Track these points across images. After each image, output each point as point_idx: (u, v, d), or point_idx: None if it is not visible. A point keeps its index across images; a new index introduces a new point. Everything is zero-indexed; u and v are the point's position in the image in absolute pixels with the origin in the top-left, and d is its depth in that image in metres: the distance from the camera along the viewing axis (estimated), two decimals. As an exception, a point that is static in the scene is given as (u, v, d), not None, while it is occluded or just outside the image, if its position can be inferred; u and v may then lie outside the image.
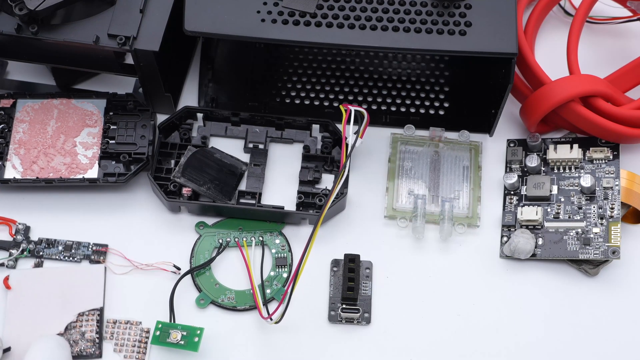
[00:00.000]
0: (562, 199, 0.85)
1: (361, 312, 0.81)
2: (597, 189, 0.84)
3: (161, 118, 0.88)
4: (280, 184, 0.87)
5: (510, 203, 0.86)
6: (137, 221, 0.85)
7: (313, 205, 0.85)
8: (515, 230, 0.84)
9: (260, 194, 0.86)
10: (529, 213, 0.84)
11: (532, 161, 0.87)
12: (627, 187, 0.84)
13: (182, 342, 0.78)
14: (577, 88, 0.83)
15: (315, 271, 0.83)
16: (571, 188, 0.85)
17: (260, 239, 0.85)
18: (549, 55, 0.92)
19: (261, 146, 0.89)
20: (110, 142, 0.86)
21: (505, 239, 0.85)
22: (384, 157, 0.89)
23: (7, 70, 0.93)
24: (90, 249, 0.84)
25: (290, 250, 0.84)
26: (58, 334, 0.79)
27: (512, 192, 0.87)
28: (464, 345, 0.81)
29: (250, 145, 0.89)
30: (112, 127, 0.87)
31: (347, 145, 0.83)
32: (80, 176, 0.85)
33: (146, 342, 0.80)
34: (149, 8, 0.82)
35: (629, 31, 0.97)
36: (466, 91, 0.92)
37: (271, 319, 0.78)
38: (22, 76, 0.93)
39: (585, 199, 0.84)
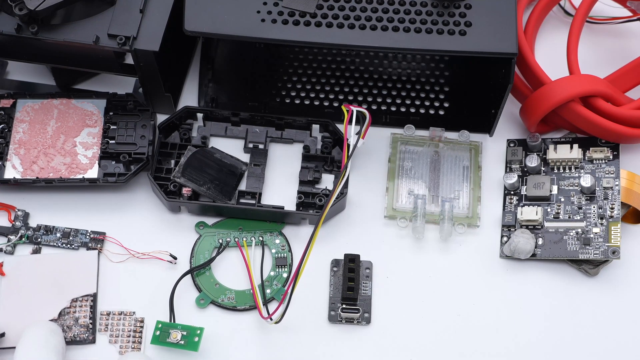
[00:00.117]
0: (562, 199, 0.85)
1: (361, 312, 0.81)
2: (597, 189, 0.84)
3: (161, 118, 0.88)
4: (280, 184, 0.87)
5: (510, 203, 0.86)
6: (137, 221, 0.85)
7: (313, 205, 0.85)
8: (515, 230, 0.84)
9: (260, 194, 0.86)
10: (529, 213, 0.84)
11: (532, 161, 0.87)
12: (627, 187, 0.84)
13: (182, 342, 0.78)
14: (577, 88, 0.83)
15: (315, 271, 0.83)
16: (571, 188, 0.85)
17: (260, 239, 0.85)
18: (549, 55, 0.92)
19: (261, 146, 0.89)
20: (110, 142, 0.86)
21: (505, 239, 0.85)
22: (384, 157, 0.89)
23: (7, 70, 0.93)
24: (87, 237, 0.84)
25: (290, 250, 0.84)
26: (52, 320, 0.80)
27: (512, 192, 0.87)
28: (464, 345, 0.81)
29: (250, 145, 0.89)
30: (112, 127, 0.87)
31: (348, 145, 0.83)
32: (80, 176, 0.85)
33: (141, 332, 0.80)
34: (149, 8, 0.82)
35: (629, 31, 0.97)
36: (466, 91, 0.92)
37: (271, 319, 0.78)
38: (22, 76, 0.93)
39: (585, 199, 0.84)
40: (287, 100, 0.92)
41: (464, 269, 0.84)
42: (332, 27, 0.79)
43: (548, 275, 0.83)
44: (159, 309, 0.81)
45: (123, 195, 0.87)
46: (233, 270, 0.84)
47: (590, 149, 0.86)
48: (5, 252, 0.84)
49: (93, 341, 0.80)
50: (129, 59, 0.84)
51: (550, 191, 0.85)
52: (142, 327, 0.80)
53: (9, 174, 0.85)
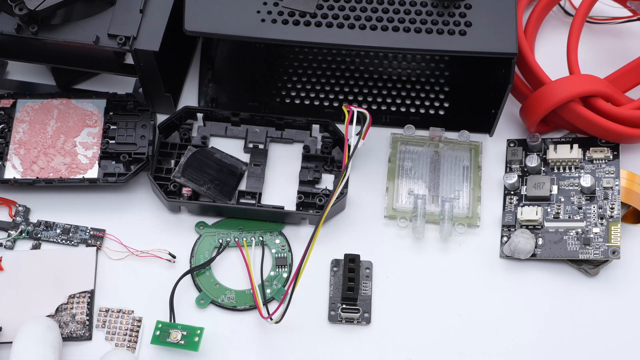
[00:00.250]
0: (562, 199, 0.85)
1: (361, 312, 0.81)
2: (597, 189, 0.84)
3: (161, 118, 0.88)
4: (280, 184, 0.87)
5: (510, 203, 0.86)
6: (137, 221, 0.85)
7: (313, 205, 0.85)
8: (515, 230, 0.84)
9: (260, 194, 0.86)
10: (529, 213, 0.84)
11: (532, 161, 0.87)
12: (627, 187, 0.84)
13: (182, 342, 0.78)
14: (577, 88, 0.83)
15: (315, 271, 0.83)
16: (571, 188, 0.85)
17: (260, 239, 0.85)
18: (549, 55, 0.92)
19: (261, 146, 0.89)
20: (110, 142, 0.86)
21: (505, 239, 0.85)
22: (384, 157, 0.89)
23: (7, 70, 0.93)
24: (87, 233, 0.85)
25: (290, 250, 0.84)
26: (49, 316, 0.80)
27: (512, 192, 0.87)
28: (464, 345, 0.81)
29: (250, 145, 0.89)
30: (112, 127, 0.87)
31: (349, 146, 0.83)
32: (80, 176, 0.85)
33: (138, 331, 0.80)
34: (149, 8, 0.82)
35: (629, 31, 0.97)
36: (466, 91, 0.92)
37: (271, 319, 0.78)
38: (22, 76, 0.93)
39: (585, 199, 0.84)
40: (287, 100, 0.92)
41: (464, 269, 0.84)
42: (332, 27, 0.79)
43: (548, 275, 0.83)
44: (158, 308, 0.81)
45: (123, 195, 0.87)
46: (233, 270, 0.84)
47: (590, 149, 0.86)
48: (5, 246, 0.84)
49: (89, 338, 0.80)
50: (129, 59, 0.84)
51: (550, 191, 0.85)
52: (139, 326, 0.80)
53: (9, 174, 0.85)
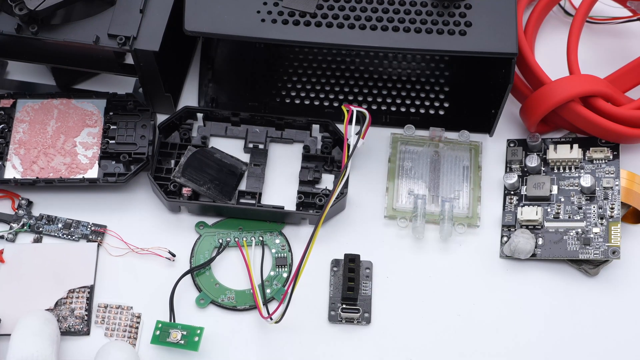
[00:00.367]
0: (562, 199, 0.85)
1: (361, 312, 0.81)
2: (597, 189, 0.84)
3: (161, 118, 0.88)
4: (280, 184, 0.87)
5: (510, 203, 0.86)
6: (137, 221, 0.85)
7: (313, 205, 0.85)
8: (515, 230, 0.84)
9: (260, 194, 0.86)
10: (529, 213, 0.84)
11: (532, 161, 0.87)
12: (627, 187, 0.84)
13: (182, 342, 0.78)
14: (577, 88, 0.83)
15: (315, 271, 0.83)
16: (571, 188, 0.85)
17: (260, 239, 0.85)
18: (549, 55, 0.92)
19: (261, 146, 0.89)
20: (110, 142, 0.86)
21: (505, 239, 0.85)
22: (384, 157, 0.89)
23: (7, 70, 0.93)
24: (88, 229, 0.85)
25: (290, 250, 0.84)
26: (48, 310, 0.80)
27: (512, 192, 0.87)
28: (464, 345, 0.81)
29: (250, 145, 0.89)
30: (112, 127, 0.87)
31: (348, 145, 0.83)
32: (80, 176, 0.85)
33: (137, 327, 0.80)
34: (149, 8, 0.82)
35: (629, 31, 0.97)
36: (466, 91, 0.92)
37: (271, 319, 0.78)
38: (22, 76, 0.93)
39: (585, 199, 0.84)
40: (287, 100, 0.92)
41: (464, 269, 0.84)
42: (332, 27, 0.79)
43: (548, 275, 0.83)
44: (158, 308, 0.81)
45: (123, 195, 0.87)
46: (233, 270, 0.84)
47: (590, 149, 0.86)
48: (6, 239, 0.84)
49: (87, 333, 0.80)
50: (129, 59, 0.84)
51: (550, 191, 0.85)
52: (138, 322, 0.80)
53: (9, 174, 0.85)
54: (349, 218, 0.86)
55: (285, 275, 0.83)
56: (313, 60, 0.94)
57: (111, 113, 0.88)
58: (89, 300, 0.81)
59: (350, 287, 0.80)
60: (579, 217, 0.83)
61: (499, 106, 0.85)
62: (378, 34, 0.79)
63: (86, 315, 0.81)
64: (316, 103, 0.92)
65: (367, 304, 0.82)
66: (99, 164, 0.85)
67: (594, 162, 0.86)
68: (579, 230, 0.83)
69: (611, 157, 0.86)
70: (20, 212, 0.85)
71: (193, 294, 0.82)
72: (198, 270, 0.83)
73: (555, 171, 0.87)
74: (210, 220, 0.86)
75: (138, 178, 0.87)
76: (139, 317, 0.81)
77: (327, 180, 0.87)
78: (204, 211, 0.86)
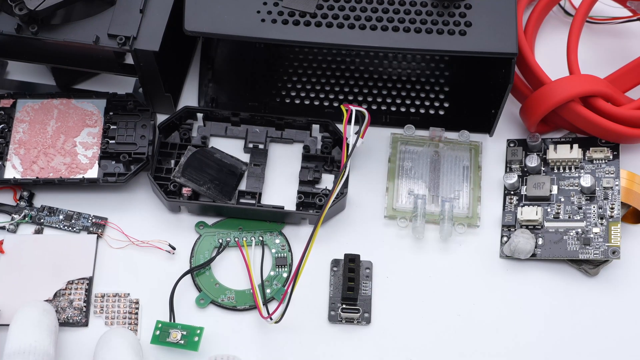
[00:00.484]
0: (562, 199, 0.85)
1: (361, 312, 0.81)
2: (597, 189, 0.84)
3: (161, 118, 0.88)
4: (280, 184, 0.87)
5: (510, 203, 0.86)
6: (137, 221, 0.85)
7: (313, 205, 0.85)
8: (515, 230, 0.84)
9: (260, 194, 0.86)
10: (529, 213, 0.84)
11: (532, 161, 0.87)
12: (627, 187, 0.84)
13: (182, 342, 0.78)
14: (577, 88, 0.83)
15: (315, 271, 0.83)
16: (571, 188, 0.85)
17: (260, 238, 0.85)
18: (549, 55, 0.92)
19: (261, 146, 0.89)
20: (110, 142, 0.86)
21: (505, 239, 0.85)
22: (384, 157, 0.89)
23: (7, 70, 0.93)
24: (89, 221, 0.85)
25: (290, 250, 0.84)
26: (47, 301, 0.80)
27: (512, 192, 0.87)
28: (464, 345, 0.81)
29: (250, 145, 0.89)
30: (112, 127, 0.87)
31: (347, 145, 0.83)
32: (80, 176, 0.85)
33: (137, 313, 0.81)
34: (149, 8, 0.82)
35: (629, 31, 0.97)
36: (466, 91, 0.92)
37: (271, 319, 0.78)
38: (22, 76, 0.93)
39: (585, 199, 0.84)
40: (287, 100, 0.92)
41: (464, 269, 0.84)
42: (332, 27, 0.79)
43: (548, 275, 0.83)
44: (158, 308, 0.81)
45: (123, 195, 0.87)
46: (233, 270, 0.84)
47: (590, 149, 0.86)
48: (8, 230, 0.84)
49: (86, 324, 0.80)
50: (129, 59, 0.84)
51: (550, 191, 0.85)
52: (137, 308, 0.81)
53: (9, 174, 0.85)
54: (349, 218, 0.86)
55: (285, 275, 0.83)
56: (313, 60, 0.94)
57: (111, 113, 0.88)
58: (88, 291, 0.82)
59: (350, 287, 0.80)
60: (579, 217, 0.83)
61: (499, 106, 0.85)
62: (378, 34, 0.79)
63: (85, 306, 0.81)
64: (316, 103, 0.92)
65: (367, 304, 0.82)
66: (99, 164, 0.85)
67: (594, 162, 0.86)
68: (579, 230, 0.83)
69: (611, 157, 0.86)
70: (22, 203, 0.85)
71: (193, 294, 0.82)
72: (198, 270, 0.83)
73: (555, 171, 0.87)
74: (210, 220, 0.86)
75: (138, 178, 0.87)
76: (137, 302, 0.81)
77: (327, 180, 0.87)
78: (204, 211, 0.86)
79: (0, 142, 0.86)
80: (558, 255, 0.82)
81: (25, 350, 0.72)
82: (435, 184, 0.87)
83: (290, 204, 0.86)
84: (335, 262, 0.84)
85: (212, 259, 0.83)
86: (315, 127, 0.89)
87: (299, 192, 0.86)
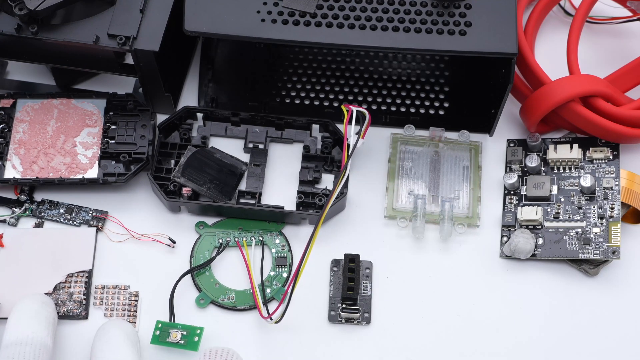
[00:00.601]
0: (562, 199, 0.85)
1: (361, 312, 0.81)
2: (597, 189, 0.84)
3: (161, 118, 0.88)
4: (280, 184, 0.87)
5: (510, 203, 0.86)
6: (137, 221, 0.85)
7: (313, 205, 0.85)
8: (515, 230, 0.84)
9: (260, 194, 0.86)
10: (529, 213, 0.84)
11: (532, 161, 0.87)
12: (627, 187, 0.84)
13: (182, 342, 0.78)
14: (577, 88, 0.83)
15: (315, 271, 0.83)
16: (571, 188, 0.85)
17: (260, 238, 0.85)
18: (549, 55, 0.92)
19: (261, 146, 0.89)
20: (110, 142, 0.86)
21: (505, 239, 0.85)
22: (384, 157, 0.89)
23: (7, 70, 0.93)
24: (90, 214, 0.85)
25: (290, 250, 0.84)
26: (46, 294, 0.81)
27: (512, 192, 0.87)
28: (464, 345, 0.81)
29: (250, 145, 0.89)
30: (112, 127, 0.87)
31: (348, 145, 0.83)
32: (80, 176, 0.85)
33: (136, 306, 0.81)
34: (149, 8, 0.82)
35: (629, 31, 0.97)
36: (466, 91, 0.92)
37: (271, 319, 0.78)
38: (22, 76, 0.93)
39: (585, 199, 0.84)
40: (287, 100, 0.92)
41: (464, 269, 0.84)
42: (332, 27, 0.79)
43: (548, 275, 0.83)
44: (158, 307, 0.81)
45: (123, 195, 0.87)
46: (233, 270, 0.84)
47: (590, 149, 0.86)
48: (8, 223, 0.85)
49: (86, 317, 0.81)
50: (129, 59, 0.84)
51: (550, 191, 0.85)
52: (136, 300, 0.81)
53: (9, 174, 0.85)
54: (349, 218, 0.86)
55: (285, 275, 0.83)
56: (313, 60, 0.94)
57: (111, 113, 0.88)
58: (88, 284, 0.82)
59: (350, 287, 0.80)
60: (579, 217, 0.83)
61: (499, 106, 0.85)
62: (378, 34, 0.79)
63: (84, 299, 0.81)
64: (316, 103, 0.92)
65: (367, 304, 0.82)
66: (99, 164, 0.85)
67: (594, 162, 0.86)
68: (579, 230, 0.83)
69: (611, 157, 0.86)
70: (23, 196, 0.86)
71: (193, 294, 0.82)
72: (198, 270, 0.83)
73: (555, 171, 0.87)
74: (210, 220, 0.86)
75: (138, 178, 0.87)
76: (136, 295, 0.81)
77: (327, 180, 0.87)
78: (204, 211, 0.86)
79: (0, 142, 0.86)
80: (558, 255, 0.82)
81: (22, 342, 0.72)
82: (435, 184, 0.87)
83: (290, 204, 0.86)
84: (335, 262, 0.84)
85: (212, 259, 0.83)
86: (315, 127, 0.89)
87: (299, 192, 0.86)
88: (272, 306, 0.81)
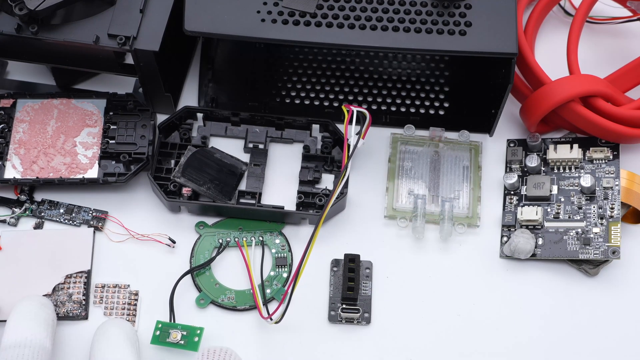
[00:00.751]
0: (562, 199, 0.85)
1: (361, 312, 0.81)
2: (597, 189, 0.84)
3: (161, 118, 0.88)
4: (280, 184, 0.87)
5: (510, 203, 0.86)
6: (137, 221, 0.85)
7: (313, 205, 0.85)
8: (515, 230, 0.84)
9: (260, 194, 0.86)
10: (529, 213, 0.84)
11: (532, 161, 0.87)
12: (627, 187, 0.84)
13: (182, 342, 0.78)
14: (577, 88, 0.83)
15: (315, 271, 0.83)
16: (571, 188, 0.85)
17: (260, 239, 0.85)
18: (549, 55, 0.92)
19: (261, 146, 0.89)
20: (110, 142, 0.86)
21: (505, 239, 0.85)
22: (384, 157, 0.89)
23: (7, 70, 0.93)
24: (90, 214, 0.85)
25: (290, 250, 0.84)
26: (45, 295, 0.81)
27: (512, 192, 0.87)
28: (464, 345, 0.81)
29: (250, 145, 0.89)
30: (112, 127, 0.87)
31: (348, 145, 0.83)
32: (80, 176, 0.85)
33: (135, 305, 0.81)
34: (149, 8, 0.82)
35: (629, 31, 0.97)
36: (466, 91, 0.92)
37: (271, 319, 0.78)
38: (22, 76, 0.93)
39: (585, 199, 0.84)
40: (287, 100, 0.92)
41: (464, 269, 0.84)
42: (332, 27, 0.79)
43: (548, 275, 0.83)
44: (158, 307, 0.81)
45: (123, 195, 0.87)
46: (233, 270, 0.84)
47: (590, 149, 0.86)
48: (9, 223, 0.85)
49: (85, 317, 0.81)
50: (129, 59, 0.84)
51: (550, 191, 0.85)
52: (136, 299, 0.81)
53: (9, 173, 0.85)
54: (349, 218, 0.86)
55: (285, 275, 0.83)
56: (313, 60, 0.94)
57: (111, 113, 0.88)
58: (87, 285, 0.82)
59: (350, 287, 0.80)
60: (579, 217, 0.83)
61: (499, 106, 0.85)
62: (378, 34, 0.79)
63: (84, 299, 0.81)
64: (316, 103, 0.92)
65: (367, 304, 0.82)
66: (99, 164, 0.85)
67: (594, 162, 0.86)
68: (579, 230, 0.83)
69: (611, 157, 0.86)
70: (23, 197, 0.86)
71: (193, 294, 0.82)
72: (198, 270, 0.83)
73: (555, 171, 0.87)
74: (210, 220, 0.86)
75: (138, 178, 0.87)
76: (136, 294, 0.81)
77: (327, 180, 0.87)
78: (204, 211, 0.86)
79: (0, 142, 0.86)
80: (558, 255, 0.82)
81: (21, 344, 0.72)
82: (435, 184, 0.87)
83: (290, 204, 0.86)
84: (335, 262, 0.84)
85: (212, 259, 0.83)
86: (315, 127, 0.89)
87: (299, 192, 0.86)
88: (272, 306, 0.81)
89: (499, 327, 0.81)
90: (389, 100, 0.92)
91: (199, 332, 0.78)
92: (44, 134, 0.87)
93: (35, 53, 0.85)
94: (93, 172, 0.85)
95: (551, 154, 0.87)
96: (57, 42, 0.81)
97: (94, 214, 0.85)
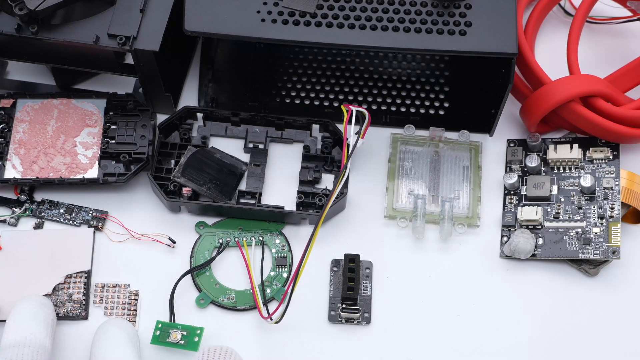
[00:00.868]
0: (562, 199, 0.85)
1: (361, 312, 0.81)
2: (597, 189, 0.84)
3: (161, 118, 0.88)
4: (280, 184, 0.87)
5: (510, 203, 0.86)
6: (137, 221, 0.85)
7: (313, 205, 0.85)
8: (515, 230, 0.84)
9: (260, 194, 0.86)
10: (529, 213, 0.84)
11: (532, 161, 0.87)
12: (627, 187, 0.84)
13: (182, 342, 0.78)
14: (577, 88, 0.83)
15: (315, 271, 0.83)
16: (571, 188, 0.85)
17: (260, 239, 0.85)
18: (549, 55, 0.92)
19: (261, 146, 0.89)
20: (110, 142, 0.86)
21: (505, 239, 0.85)
22: (384, 157, 0.89)
23: (7, 70, 0.93)
24: (90, 214, 0.85)
25: (290, 250, 0.84)
26: (45, 295, 0.81)
27: (512, 192, 0.87)
28: (464, 345, 0.81)
29: (250, 145, 0.89)
30: (112, 127, 0.87)
31: (348, 145, 0.83)
32: (80, 176, 0.85)
33: (135, 305, 0.81)
34: (149, 8, 0.82)
35: (629, 31, 0.97)
36: (466, 91, 0.92)
37: (271, 319, 0.78)
38: (22, 76, 0.93)
39: (585, 199, 0.84)
40: (287, 100, 0.92)
41: (464, 269, 0.84)
42: (332, 27, 0.79)
43: (548, 275, 0.83)
44: (158, 307, 0.81)
45: (123, 195, 0.87)
46: (233, 270, 0.84)
47: (590, 149, 0.86)
48: (9, 223, 0.85)
49: (86, 317, 0.81)
50: (129, 59, 0.84)
51: (550, 191, 0.85)
52: (136, 299, 0.81)
53: (9, 174, 0.85)
54: (349, 218, 0.86)
55: (285, 275, 0.83)
56: (313, 60, 0.94)
57: (111, 113, 0.88)
58: (87, 285, 0.82)
59: (350, 287, 0.80)
60: (579, 217, 0.83)
61: (499, 106, 0.85)
62: (378, 34, 0.79)
63: (84, 299, 0.81)
64: (316, 103, 0.92)
65: (367, 304, 0.82)
66: (99, 164, 0.85)
67: (594, 162, 0.86)
68: (579, 230, 0.83)
69: (611, 157, 0.86)
70: (23, 196, 0.86)
71: (193, 294, 0.82)
72: (198, 270, 0.83)
73: (555, 171, 0.87)
74: (210, 220, 0.86)
75: (138, 178, 0.87)
76: (136, 294, 0.81)
77: (327, 180, 0.87)
78: (204, 211, 0.86)
79: (0, 142, 0.86)
80: (558, 255, 0.82)
81: (20, 343, 0.72)
82: (435, 184, 0.87)
83: (290, 204, 0.86)
84: (335, 262, 0.84)
85: (212, 259, 0.83)
86: (315, 127, 0.89)
87: (299, 192, 0.86)
88: (272, 306, 0.81)
89: (498, 327, 0.81)
90: (389, 100, 0.92)
91: (199, 332, 0.78)
92: (44, 134, 0.87)
93: (35, 53, 0.85)
94: (93, 172, 0.85)
95: (551, 154, 0.87)
96: (57, 42, 0.81)
97: (94, 214, 0.85)
